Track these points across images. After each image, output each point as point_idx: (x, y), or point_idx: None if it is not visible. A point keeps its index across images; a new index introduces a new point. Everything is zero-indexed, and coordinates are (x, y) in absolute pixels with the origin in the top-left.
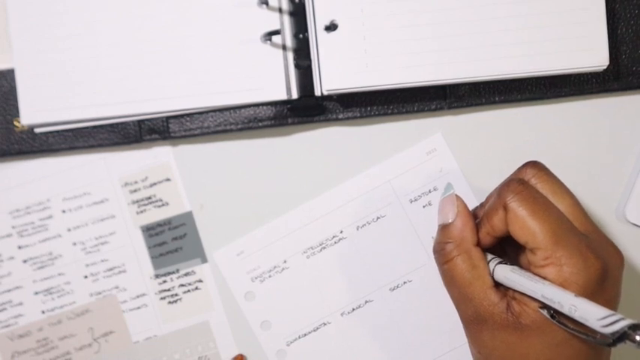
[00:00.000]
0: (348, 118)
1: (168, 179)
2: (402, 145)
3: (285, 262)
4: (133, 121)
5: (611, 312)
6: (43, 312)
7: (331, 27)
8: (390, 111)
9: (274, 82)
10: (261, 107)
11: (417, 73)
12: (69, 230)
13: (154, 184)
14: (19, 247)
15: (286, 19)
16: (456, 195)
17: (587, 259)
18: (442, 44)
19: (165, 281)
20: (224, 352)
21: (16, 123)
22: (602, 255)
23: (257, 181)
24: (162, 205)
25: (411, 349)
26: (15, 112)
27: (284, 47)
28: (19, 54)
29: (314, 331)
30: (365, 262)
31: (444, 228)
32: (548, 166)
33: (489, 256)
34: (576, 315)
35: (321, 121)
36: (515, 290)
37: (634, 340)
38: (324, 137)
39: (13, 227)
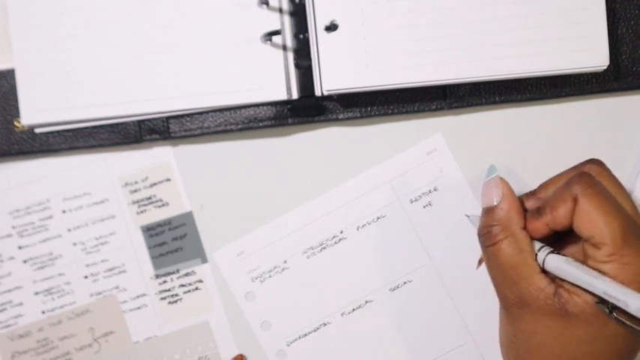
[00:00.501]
0: (348, 118)
1: (168, 179)
2: (402, 145)
3: (285, 262)
4: (133, 121)
5: None
6: (43, 312)
7: (331, 27)
8: (390, 111)
9: (274, 82)
10: (261, 107)
11: (417, 73)
12: (69, 230)
13: (154, 184)
14: (20, 248)
15: (286, 19)
16: (500, 178)
17: None
18: (442, 44)
19: (165, 281)
20: (224, 352)
21: (16, 123)
22: None
23: (257, 181)
24: (163, 205)
25: (411, 349)
26: (15, 113)
27: (284, 47)
28: (19, 54)
29: (314, 331)
30: (365, 262)
31: (489, 211)
32: (548, 165)
33: (539, 244)
34: None
35: (322, 121)
36: (565, 280)
37: None
38: (324, 137)
39: (14, 227)
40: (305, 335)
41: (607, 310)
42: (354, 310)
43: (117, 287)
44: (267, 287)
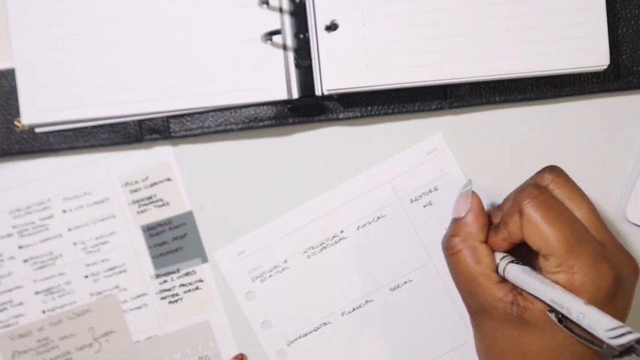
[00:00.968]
0: (348, 118)
1: (168, 179)
2: (403, 145)
3: (285, 261)
4: (133, 121)
5: (620, 323)
6: (44, 312)
7: (332, 27)
8: (390, 111)
9: (275, 82)
10: (261, 107)
11: (418, 73)
12: (69, 230)
13: (155, 183)
14: (20, 247)
15: (287, 18)
16: (473, 192)
17: (600, 269)
18: (442, 44)
19: (165, 281)
20: (224, 351)
21: (16, 123)
22: (615, 265)
23: (257, 180)
24: (163, 204)
25: (411, 348)
26: (15, 112)
27: (284, 47)
28: (19, 54)
29: (314, 330)
30: (365, 262)
31: (455, 222)
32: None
33: (501, 255)
34: (584, 323)
35: (322, 121)
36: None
37: None
38: (324, 137)
39: (14, 227)
40: (305, 335)
41: (556, 319)
42: (354, 309)
43: (117, 287)
44: (268, 287)
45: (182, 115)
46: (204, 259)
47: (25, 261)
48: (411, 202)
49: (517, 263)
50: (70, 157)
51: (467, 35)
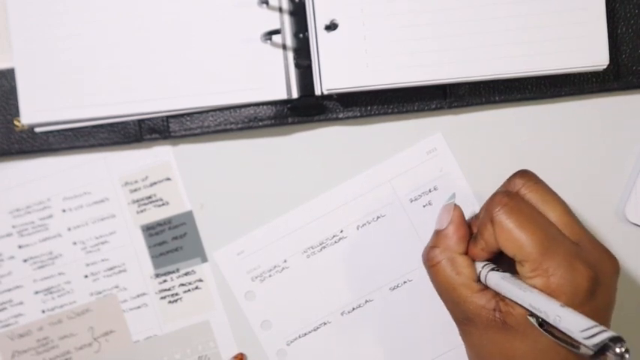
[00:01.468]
0: (348, 118)
1: (168, 179)
2: (402, 145)
3: (285, 261)
4: (133, 121)
5: (594, 323)
6: (44, 311)
7: (331, 26)
8: (390, 110)
9: (274, 82)
10: (261, 107)
11: (417, 73)
12: (69, 230)
13: (154, 183)
14: (20, 247)
15: (286, 18)
16: (455, 204)
17: (575, 269)
18: (442, 44)
19: (165, 281)
20: (224, 351)
21: (16, 122)
22: (592, 263)
23: (257, 180)
24: (163, 204)
25: (411, 348)
26: (15, 112)
27: (284, 47)
28: (19, 54)
29: (314, 330)
30: (365, 262)
31: (436, 233)
32: (548, 166)
33: (482, 263)
34: (561, 325)
35: (321, 121)
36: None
37: (615, 353)
38: (324, 137)
39: (14, 227)
40: (305, 334)
41: (536, 323)
42: (354, 309)
43: (117, 286)
44: (267, 287)
45: (182, 115)
46: (204, 259)
47: (25, 261)
48: (411, 201)
49: (497, 270)
50: (70, 157)
51: (466, 35)
